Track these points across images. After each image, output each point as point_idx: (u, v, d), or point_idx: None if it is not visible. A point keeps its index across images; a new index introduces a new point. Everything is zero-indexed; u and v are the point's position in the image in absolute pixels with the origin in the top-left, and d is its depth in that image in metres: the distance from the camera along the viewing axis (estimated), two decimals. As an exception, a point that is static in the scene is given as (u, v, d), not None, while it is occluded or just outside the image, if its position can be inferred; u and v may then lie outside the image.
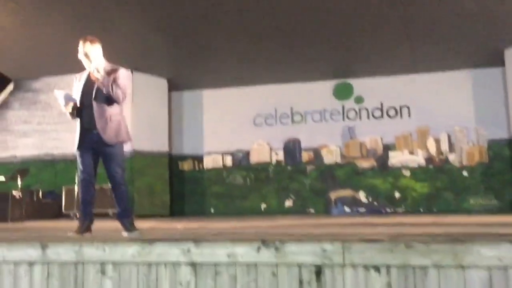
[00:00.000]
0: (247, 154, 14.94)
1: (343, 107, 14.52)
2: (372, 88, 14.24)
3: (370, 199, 13.89)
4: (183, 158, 15.32)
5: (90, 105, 5.10)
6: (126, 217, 5.18)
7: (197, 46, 12.29)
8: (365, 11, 10.53)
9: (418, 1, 10.09)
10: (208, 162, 15.17)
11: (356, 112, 14.43)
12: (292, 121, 14.87)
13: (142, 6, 10.35)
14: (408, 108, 14.07)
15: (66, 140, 13.61)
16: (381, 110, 14.27)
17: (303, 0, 10.09)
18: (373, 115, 14.32)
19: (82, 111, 5.15)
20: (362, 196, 13.98)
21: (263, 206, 14.53)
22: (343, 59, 13.28)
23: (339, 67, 13.89)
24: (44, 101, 14.49)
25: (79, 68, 5.39)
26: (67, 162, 13.63)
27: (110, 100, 5.08)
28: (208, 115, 15.38)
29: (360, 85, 14.40)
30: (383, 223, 7.08)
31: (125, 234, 4.99)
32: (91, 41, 5.25)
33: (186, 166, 15.30)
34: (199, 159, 15.24)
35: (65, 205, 12.87)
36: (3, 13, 10.52)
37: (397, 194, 13.76)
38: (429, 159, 13.80)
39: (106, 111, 5.09)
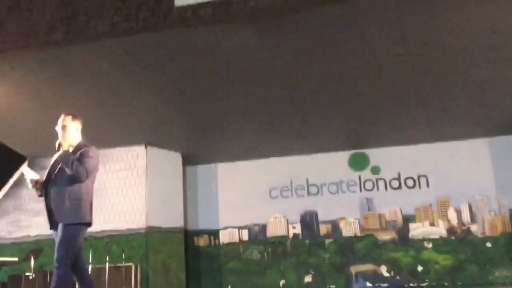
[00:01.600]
0: (263, 227, 14.65)
1: (359, 178, 14.30)
2: (389, 158, 14.05)
3: (392, 273, 13.44)
4: (199, 233, 15.04)
5: (52, 182, 4.94)
6: None
7: (211, 119, 12.29)
8: (379, 82, 10.50)
9: (433, 71, 10.07)
10: (224, 237, 14.87)
11: (373, 183, 14.19)
12: (308, 193, 14.63)
13: (154, 82, 10.40)
14: (427, 178, 13.82)
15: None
16: (399, 180, 14.03)
17: (317, 71, 10.09)
18: (390, 186, 14.07)
19: (46, 188, 5.00)
20: (383, 270, 13.53)
21: (282, 282, 14.11)
22: (358, 129, 13.19)
23: (354, 138, 13.77)
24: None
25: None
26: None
27: (72, 178, 4.86)
28: (223, 189, 15.20)
29: (376, 155, 14.22)
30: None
31: None
32: (73, 117, 5.21)
33: (202, 241, 15.00)
34: (215, 234, 14.96)
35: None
36: (19, 93, 10.61)
37: (419, 268, 13.30)
38: (450, 230, 13.41)
39: (65, 189, 4.86)
